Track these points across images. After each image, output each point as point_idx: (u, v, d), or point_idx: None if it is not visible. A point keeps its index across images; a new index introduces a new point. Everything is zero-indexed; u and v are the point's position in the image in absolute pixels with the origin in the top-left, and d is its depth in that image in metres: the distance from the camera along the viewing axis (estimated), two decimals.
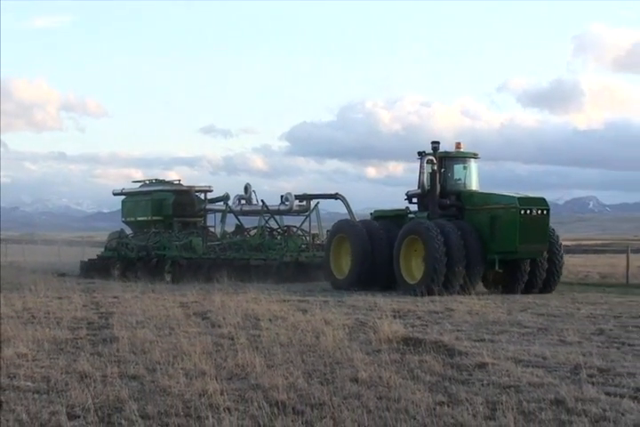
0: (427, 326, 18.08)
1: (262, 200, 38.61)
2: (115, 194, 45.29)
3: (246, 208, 40.02)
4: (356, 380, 11.43)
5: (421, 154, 28.82)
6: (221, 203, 41.59)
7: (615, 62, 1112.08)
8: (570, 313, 21.06)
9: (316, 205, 37.87)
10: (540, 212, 27.29)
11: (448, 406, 9.84)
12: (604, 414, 9.35)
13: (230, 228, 40.22)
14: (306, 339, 15.12)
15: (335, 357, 13.31)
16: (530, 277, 27.99)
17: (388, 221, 29.81)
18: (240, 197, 40.47)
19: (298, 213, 38.48)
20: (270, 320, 18.19)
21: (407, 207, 29.75)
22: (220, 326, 17.60)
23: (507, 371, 12.05)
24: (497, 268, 27.53)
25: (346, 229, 30.26)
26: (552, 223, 28.68)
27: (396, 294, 26.95)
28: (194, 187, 43.25)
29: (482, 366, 12.50)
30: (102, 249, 42.92)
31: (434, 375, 11.87)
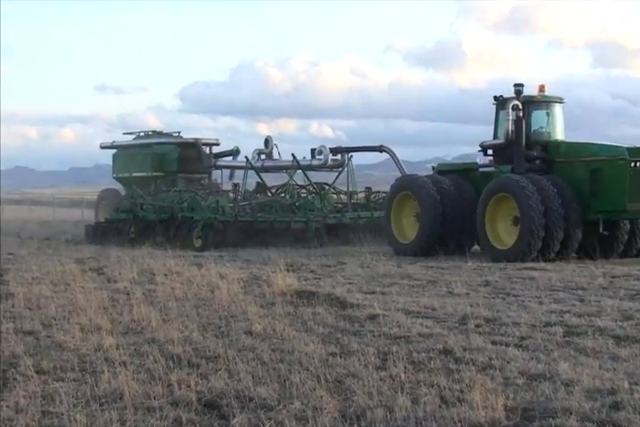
0: (319, 279, 18.12)
1: (293, 154, 34.14)
2: (102, 147, 40.43)
3: (268, 164, 35.78)
4: (250, 332, 11.39)
5: (499, 98, 24.48)
6: (230, 158, 37.83)
7: (496, 25, 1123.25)
8: (458, 266, 21.23)
9: (349, 159, 34.11)
10: None
11: (340, 356, 9.84)
12: (490, 363, 9.45)
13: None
14: (201, 293, 15.05)
15: (230, 310, 13.26)
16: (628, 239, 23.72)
17: (456, 175, 25.32)
18: (260, 152, 36.32)
19: (331, 168, 34.56)
20: (166, 275, 18.08)
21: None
22: (115, 282, 17.43)
23: (397, 322, 12.10)
24: (601, 230, 22.77)
25: (411, 185, 25.32)
26: None
27: (290, 249, 26.72)
28: (200, 139, 38.52)
29: (373, 317, 12.55)
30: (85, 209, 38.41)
31: (326, 327, 11.88)
